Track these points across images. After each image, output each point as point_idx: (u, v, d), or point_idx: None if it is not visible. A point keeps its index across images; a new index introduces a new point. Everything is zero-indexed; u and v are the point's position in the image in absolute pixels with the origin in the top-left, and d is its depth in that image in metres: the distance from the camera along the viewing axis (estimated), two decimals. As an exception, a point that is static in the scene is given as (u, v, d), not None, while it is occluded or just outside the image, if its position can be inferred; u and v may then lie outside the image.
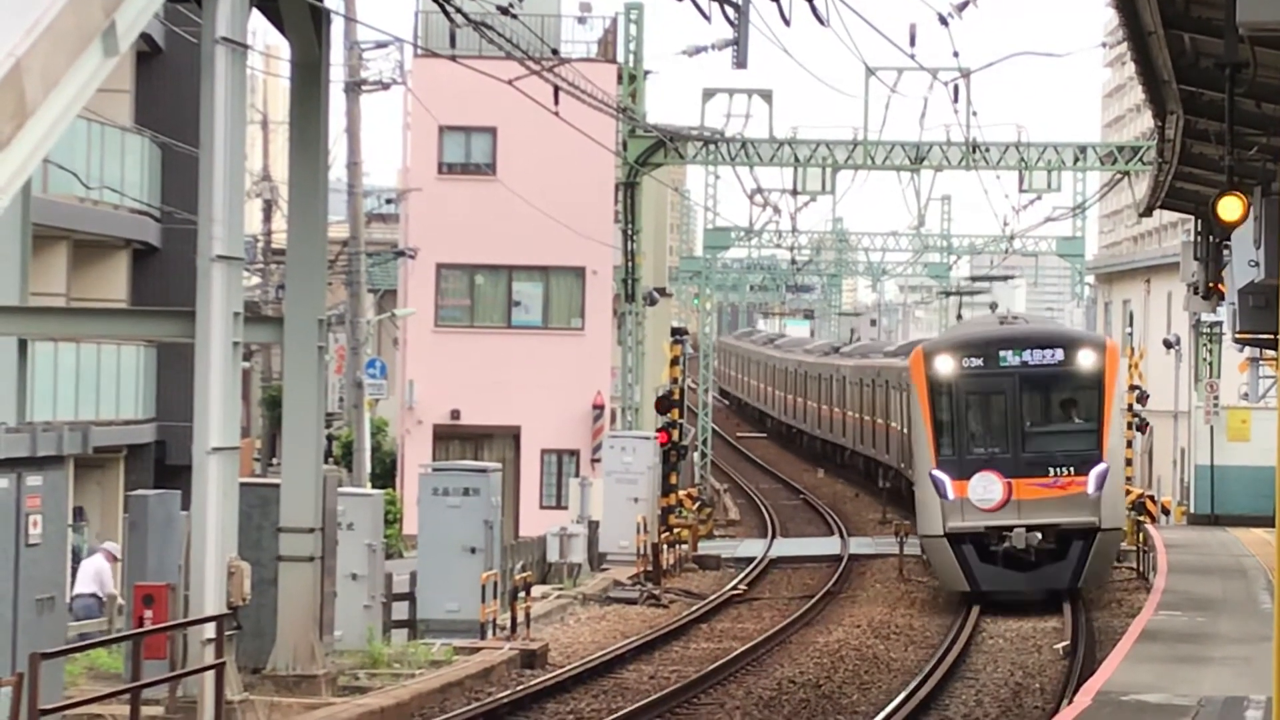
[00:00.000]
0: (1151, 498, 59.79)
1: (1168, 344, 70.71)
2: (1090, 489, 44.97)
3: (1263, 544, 42.76)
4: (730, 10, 28.44)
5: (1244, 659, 18.92)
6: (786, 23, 28.12)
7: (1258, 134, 27.46)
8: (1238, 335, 45.24)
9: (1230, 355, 62.77)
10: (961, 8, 43.48)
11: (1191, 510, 60.26)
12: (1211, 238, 41.55)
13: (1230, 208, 28.09)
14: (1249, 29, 13.88)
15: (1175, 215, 56.20)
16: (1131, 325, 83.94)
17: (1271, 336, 40.42)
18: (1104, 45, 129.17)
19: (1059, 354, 46.18)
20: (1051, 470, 45.11)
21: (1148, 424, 63.51)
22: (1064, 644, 36.90)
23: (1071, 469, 45.04)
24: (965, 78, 52.70)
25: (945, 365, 46.02)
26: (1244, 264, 31.81)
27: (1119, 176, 67.65)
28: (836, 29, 27.36)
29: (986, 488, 44.60)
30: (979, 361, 46.00)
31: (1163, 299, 78.50)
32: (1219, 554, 38.57)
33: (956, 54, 58.11)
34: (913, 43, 49.63)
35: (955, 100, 53.53)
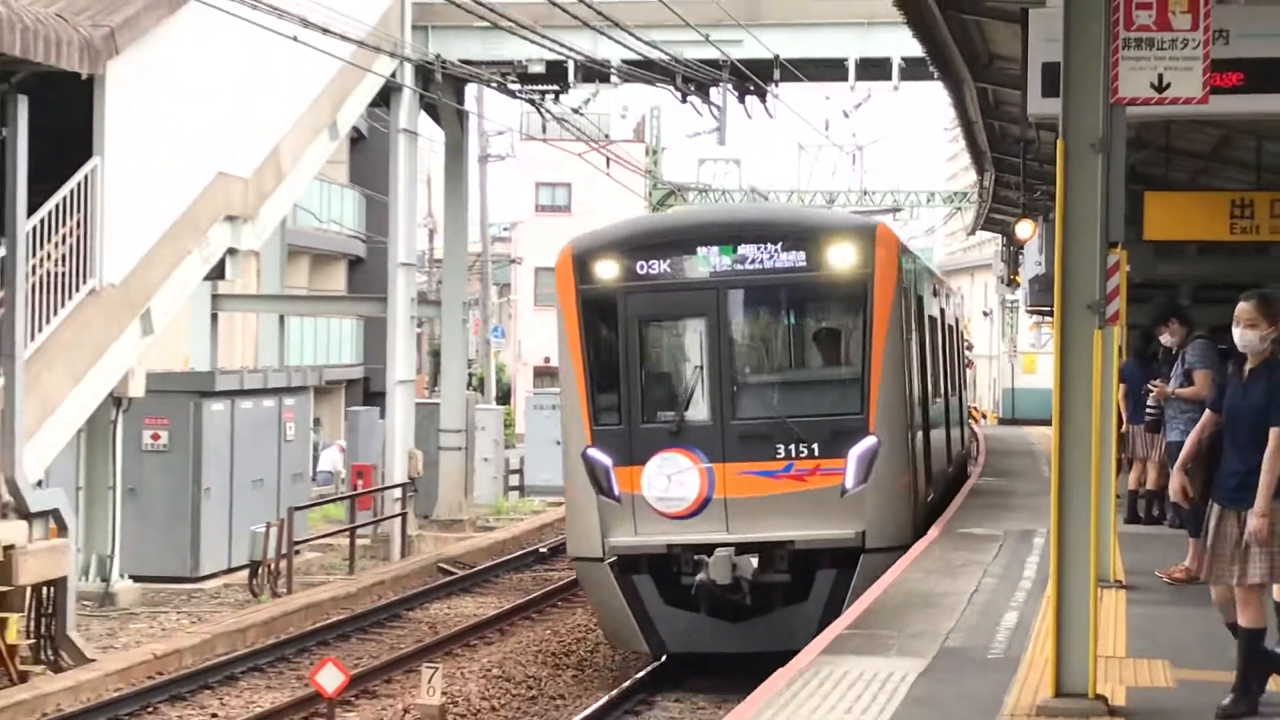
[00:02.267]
0: (975, 408, 59.91)
1: (985, 314, 70.85)
2: (849, 479, 16.15)
3: (1044, 436, 42.15)
4: (714, 109, 28.42)
5: (1033, 507, 18.85)
6: (749, 117, 28.28)
7: (1040, 183, 27.36)
8: (1029, 308, 45.18)
9: (1024, 320, 62.86)
10: (857, 106, 43.67)
11: (1000, 415, 60.31)
12: (1012, 248, 41.58)
13: (1024, 229, 28.26)
14: (1034, 119, 13.82)
15: (990, 234, 56.11)
16: (962, 302, 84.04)
17: (1049, 309, 40.33)
18: (946, 129, 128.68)
19: (797, 252, 16.54)
20: (781, 448, 16.24)
21: (972, 363, 63.54)
22: None
23: (815, 446, 16.17)
24: (860, 150, 52.95)
25: (606, 272, 16.70)
26: (1032, 264, 31.68)
27: (955, 210, 67.37)
28: (781, 120, 27.64)
29: (672, 479, 16.35)
30: (661, 265, 16.60)
31: (981, 287, 78.25)
32: (1016, 443, 38.18)
33: (854, 135, 58.60)
34: (827, 128, 50.03)
35: (854, 164, 53.82)
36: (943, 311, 22.83)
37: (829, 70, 29.43)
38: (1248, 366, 8.56)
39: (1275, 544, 8.30)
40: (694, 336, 16.77)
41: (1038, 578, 13.34)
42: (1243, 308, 8.52)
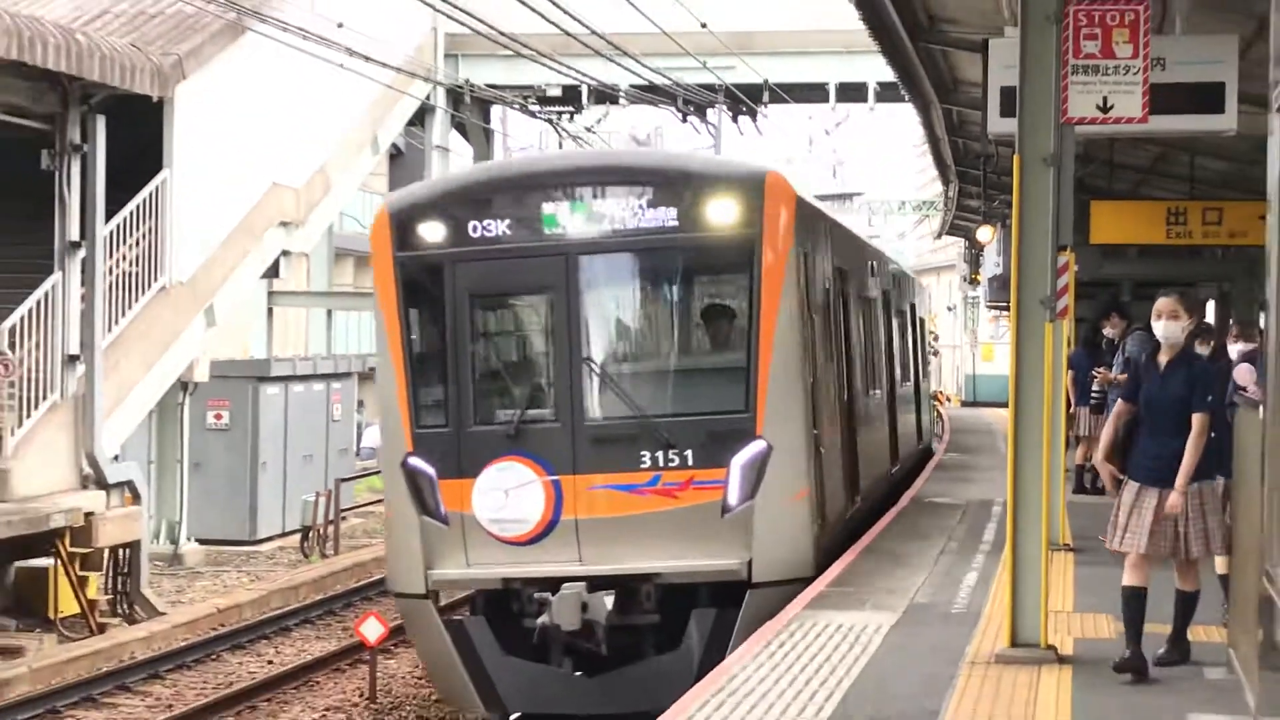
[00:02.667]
0: (940, 392, 59.97)
1: (949, 309, 70.93)
2: (731, 495, 10.62)
3: (1001, 417, 41.82)
4: (711, 128, 28.46)
5: (991, 479, 18.86)
6: (741, 134, 28.31)
7: (999, 193, 27.34)
8: (989, 304, 45.28)
9: (984, 314, 62.93)
10: (838, 125, 43.74)
11: (963, 399, 60.41)
12: (973, 250, 41.57)
13: (984, 233, 28.25)
14: (993, 137, 13.82)
15: (954, 238, 56.23)
16: (930, 299, 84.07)
17: (1005, 305, 40.33)
18: (915, 145, 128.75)
19: (666, 207, 10.76)
20: (647, 456, 10.61)
21: (939, 352, 63.59)
22: None
23: (689, 453, 10.56)
24: (840, 164, 52.91)
25: (431, 235, 11.11)
26: (991, 265, 31.69)
27: (923, 217, 67.49)
28: (769, 137, 27.64)
29: (510, 495, 10.72)
30: (498, 226, 10.90)
31: (946, 285, 78.31)
32: (977, 423, 38.06)
33: (834, 150, 58.45)
34: (810, 144, 49.94)
35: (834, 176, 53.73)
36: (887, 293, 17.97)
37: (812, 93, 29.54)
38: (1163, 358, 8.44)
39: (1210, 521, 8.28)
40: (538, 316, 11.59)
41: (995, 541, 13.37)
42: (1164, 302, 8.39)
